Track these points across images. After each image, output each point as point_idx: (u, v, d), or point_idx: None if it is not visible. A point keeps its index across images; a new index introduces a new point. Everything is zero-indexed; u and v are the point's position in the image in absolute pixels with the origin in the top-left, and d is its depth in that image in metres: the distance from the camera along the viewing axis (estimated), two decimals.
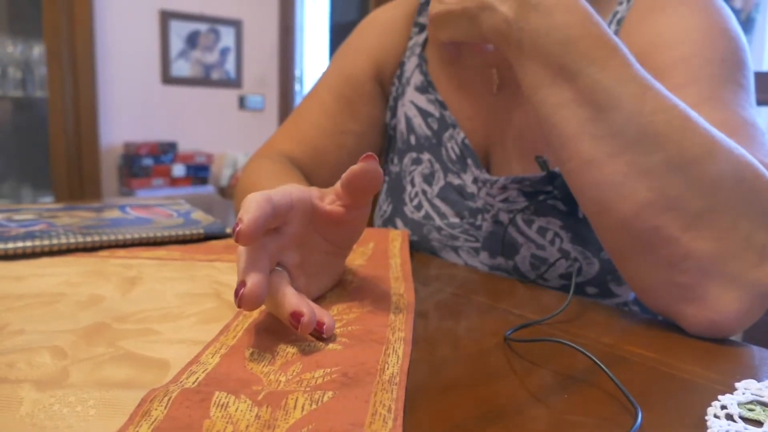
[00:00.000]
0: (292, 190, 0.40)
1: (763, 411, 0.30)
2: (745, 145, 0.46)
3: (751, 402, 0.31)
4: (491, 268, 0.65)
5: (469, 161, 0.67)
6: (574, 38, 0.45)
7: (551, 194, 0.60)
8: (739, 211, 0.41)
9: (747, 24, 2.35)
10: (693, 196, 0.41)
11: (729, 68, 0.53)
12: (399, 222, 0.72)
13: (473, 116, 0.69)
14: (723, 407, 0.30)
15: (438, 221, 0.69)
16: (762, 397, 0.31)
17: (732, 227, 0.41)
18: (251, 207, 0.35)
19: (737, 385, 0.33)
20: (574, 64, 0.45)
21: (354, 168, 0.40)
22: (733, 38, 0.54)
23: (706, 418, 0.29)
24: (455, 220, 0.68)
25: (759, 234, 0.41)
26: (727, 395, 0.31)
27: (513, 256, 0.63)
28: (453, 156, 0.69)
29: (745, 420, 0.29)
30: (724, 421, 0.29)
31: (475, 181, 0.66)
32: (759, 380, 0.33)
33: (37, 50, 2.65)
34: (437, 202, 0.69)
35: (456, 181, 0.68)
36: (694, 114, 0.43)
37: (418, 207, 0.71)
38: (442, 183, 0.69)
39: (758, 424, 0.29)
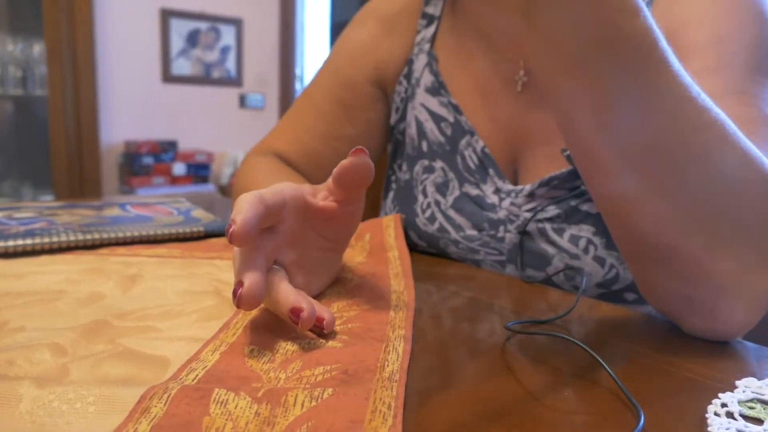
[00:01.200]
0: (285, 188, 0.40)
1: (764, 409, 0.30)
2: (762, 146, 0.43)
3: (751, 400, 0.31)
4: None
5: (491, 171, 0.62)
6: (606, 38, 0.34)
7: (579, 191, 0.56)
8: (765, 234, 0.39)
9: None
10: (721, 220, 0.38)
11: (760, 56, 0.50)
12: (413, 235, 0.68)
13: (493, 120, 0.63)
14: (723, 405, 0.30)
15: (454, 234, 0.64)
16: (762, 395, 0.31)
17: (754, 247, 0.39)
18: (243, 207, 0.35)
19: (738, 383, 0.33)
20: (596, 65, 0.35)
21: (344, 162, 0.39)
22: (766, 21, 0.51)
23: (707, 415, 0.29)
24: (473, 232, 0.63)
25: None
26: (728, 393, 0.31)
27: (544, 267, 0.59)
28: (471, 165, 0.64)
29: (746, 418, 0.29)
30: (724, 419, 0.29)
31: (497, 191, 0.62)
32: (759, 378, 0.33)
33: (38, 49, 2.65)
34: (451, 213, 0.65)
35: (474, 192, 0.64)
36: (733, 131, 0.38)
37: (432, 219, 0.66)
38: (457, 193, 0.65)
39: (759, 422, 0.29)
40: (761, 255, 0.39)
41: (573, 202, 0.57)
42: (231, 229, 0.34)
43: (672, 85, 0.36)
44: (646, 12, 0.34)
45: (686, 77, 0.37)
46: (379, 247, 0.59)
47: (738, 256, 0.38)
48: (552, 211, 0.58)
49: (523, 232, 0.60)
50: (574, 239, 0.58)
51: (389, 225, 0.64)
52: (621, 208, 0.40)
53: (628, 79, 0.35)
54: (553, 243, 0.59)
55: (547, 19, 0.34)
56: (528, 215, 0.60)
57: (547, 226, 0.59)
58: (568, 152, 0.55)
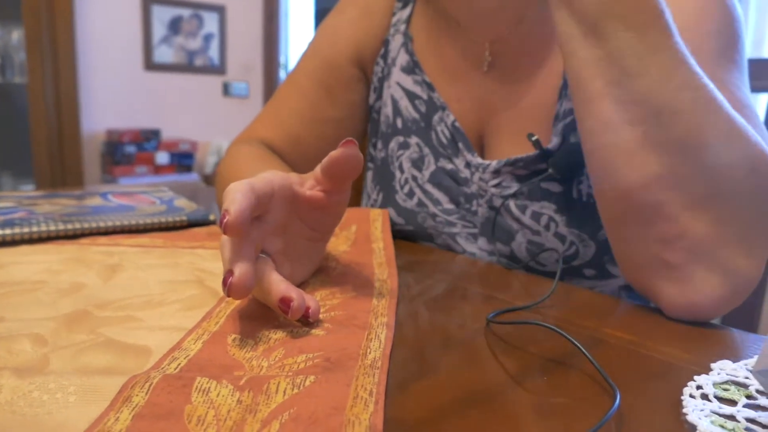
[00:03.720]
0: (273, 177, 0.40)
1: (738, 390, 0.31)
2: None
3: (726, 382, 0.32)
4: (489, 254, 0.64)
5: (461, 145, 0.65)
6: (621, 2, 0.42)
7: (545, 173, 0.59)
8: (744, 201, 0.41)
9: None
10: (702, 178, 0.41)
11: (724, 42, 0.52)
12: (392, 212, 0.70)
13: (463, 97, 0.66)
14: (699, 387, 0.31)
15: (432, 208, 0.67)
16: (737, 377, 0.32)
17: (732, 216, 0.41)
18: (236, 197, 0.35)
19: (713, 366, 0.33)
20: (609, 25, 0.43)
21: (334, 154, 0.40)
22: (729, 9, 0.53)
23: (682, 398, 0.30)
24: (450, 206, 0.66)
25: (756, 228, 0.41)
26: (703, 376, 0.32)
27: (509, 242, 0.62)
28: (443, 140, 0.67)
29: (720, 399, 0.30)
30: (699, 401, 0.29)
31: (468, 165, 0.65)
32: (734, 361, 0.34)
33: (16, 35, 2.60)
34: (429, 188, 0.67)
35: (448, 166, 0.66)
36: (720, 97, 0.42)
37: (410, 194, 0.69)
38: (432, 168, 0.68)
39: (733, 403, 0.29)
40: (739, 227, 0.41)
41: (536, 180, 0.60)
42: (225, 220, 0.34)
43: (672, 46, 0.42)
44: None
45: (683, 45, 0.43)
46: (364, 238, 0.59)
47: (715, 223, 0.41)
48: (516, 188, 0.62)
49: (492, 207, 0.63)
50: (536, 216, 0.60)
51: (377, 218, 0.64)
52: (612, 162, 0.44)
53: (637, 37, 0.42)
54: (516, 219, 0.61)
55: None
56: (494, 191, 0.63)
57: (511, 203, 0.62)
58: (535, 137, 0.57)
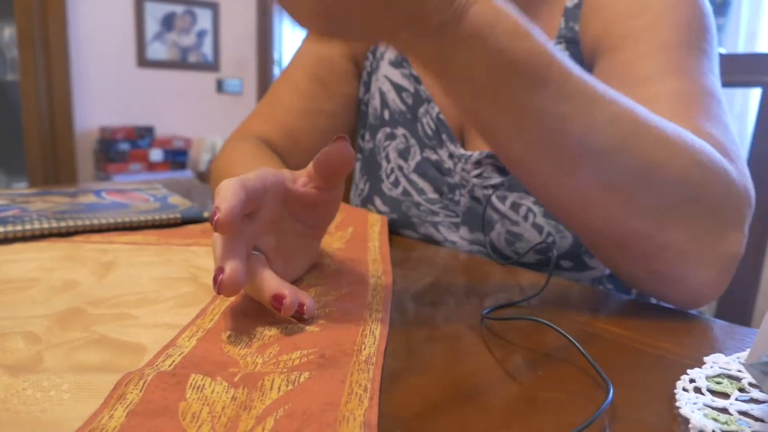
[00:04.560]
0: (266, 173, 0.40)
1: (730, 383, 0.31)
2: (699, 115, 0.48)
3: (718, 375, 0.32)
4: (471, 243, 0.65)
5: (444, 136, 0.67)
6: (510, 64, 0.36)
7: None
8: (703, 196, 0.42)
9: (722, 7, 2.38)
10: (660, 198, 0.40)
11: (693, 34, 0.53)
12: (378, 200, 0.72)
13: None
14: (692, 381, 0.31)
15: (416, 197, 0.69)
16: (729, 370, 0.32)
17: (699, 212, 0.42)
18: (227, 195, 0.35)
19: (705, 359, 0.34)
20: (510, 90, 0.37)
21: (326, 150, 0.40)
22: (698, 4, 0.55)
23: (675, 391, 0.30)
24: (434, 196, 0.68)
25: (724, 211, 0.43)
26: (696, 369, 0.32)
27: (488, 232, 0.64)
28: (429, 131, 0.69)
29: (713, 392, 0.30)
30: (692, 394, 0.29)
31: (451, 156, 0.67)
32: (726, 354, 0.34)
33: (8, 32, 2.59)
34: (414, 177, 0.69)
35: (433, 157, 0.68)
36: (644, 115, 0.41)
37: (396, 183, 0.71)
38: (418, 158, 0.69)
39: (726, 396, 0.30)
40: (709, 218, 0.42)
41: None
42: (216, 217, 0.34)
43: (579, 88, 0.38)
44: (537, 31, 0.37)
45: (589, 79, 0.39)
46: (360, 238, 0.59)
47: (687, 225, 0.41)
48: (496, 178, 0.63)
49: (474, 197, 0.65)
50: (515, 206, 0.62)
51: (375, 223, 0.64)
52: (569, 210, 0.43)
53: (537, 93, 0.37)
54: (496, 209, 0.63)
55: (449, 63, 0.37)
56: (476, 181, 0.64)
57: (491, 193, 0.63)
58: None
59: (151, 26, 2.93)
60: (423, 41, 0.36)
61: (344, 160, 0.40)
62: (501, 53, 0.36)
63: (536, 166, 0.40)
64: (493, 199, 0.63)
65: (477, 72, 0.37)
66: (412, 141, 0.70)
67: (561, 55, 0.38)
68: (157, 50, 2.97)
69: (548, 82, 0.37)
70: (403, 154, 0.70)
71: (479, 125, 0.41)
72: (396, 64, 0.71)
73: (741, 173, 0.45)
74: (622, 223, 0.41)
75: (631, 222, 0.41)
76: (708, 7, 0.55)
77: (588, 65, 0.60)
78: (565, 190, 0.41)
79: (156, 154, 2.88)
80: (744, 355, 0.34)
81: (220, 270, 0.34)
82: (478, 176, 0.64)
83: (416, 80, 0.70)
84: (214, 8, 3.12)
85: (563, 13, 0.62)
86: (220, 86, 3.20)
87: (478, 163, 0.64)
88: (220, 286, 0.34)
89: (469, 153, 0.65)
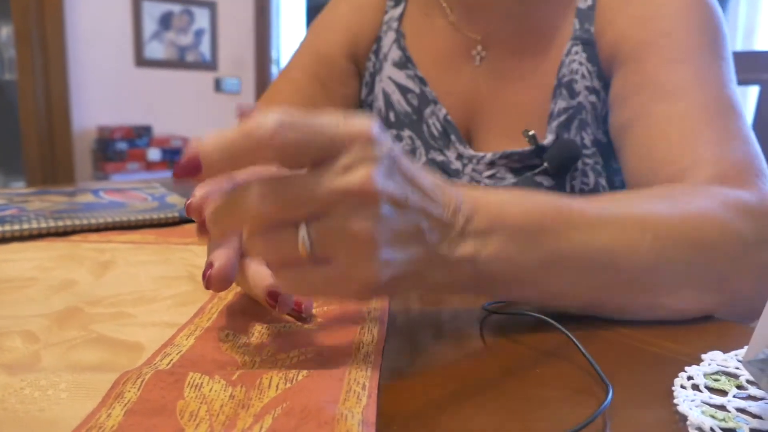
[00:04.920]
0: (258, 171, 0.39)
1: (728, 381, 0.31)
2: (723, 136, 0.49)
3: (716, 372, 0.32)
4: None
5: (453, 137, 0.66)
6: (536, 267, 0.36)
7: (541, 168, 0.60)
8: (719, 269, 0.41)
9: (720, 4, 2.38)
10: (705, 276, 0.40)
11: (710, 41, 0.54)
12: None
13: (454, 91, 0.68)
14: (690, 378, 0.31)
15: None
16: (727, 367, 0.32)
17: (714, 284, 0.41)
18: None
19: (703, 356, 0.34)
20: (556, 285, 0.38)
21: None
22: (709, 6, 0.55)
23: (673, 388, 0.30)
24: None
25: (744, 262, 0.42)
26: (694, 367, 0.32)
27: None
28: (435, 132, 0.68)
29: (711, 390, 0.30)
30: (690, 392, 0.29)
31: (460, 157, 0.66)
32: (724, 352, 0.34)
33: (6, 31, 2.58)
34: None
35: (439, 158, 0.67)
36: (656, 210, 0.41)
37: None
38: (424, 160, 0.69)
39: (723, 393, 0.30)
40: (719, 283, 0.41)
41: (530, 174, 0.60)
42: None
43: (603, 216, 0.38)
44: (537, 198, 0.37)
45: (597, 205, 0.39)
46: None
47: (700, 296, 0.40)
48: (510, 179, 0.62)
49: None
50: None
51: None
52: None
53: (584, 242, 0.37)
54: None
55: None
56: (488, 182, 0.64)
57: None
58: (531, 132, 0.57)
59: (149, 25, 2.93)
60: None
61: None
62: (528, 272, 0.36)
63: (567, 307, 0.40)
64: None
65: (515, 291, 0.37)
66: (418, 143, 0.69)
67: (565, 201, 0.38)
68: (154, 49, 2.96)
69: (563, 263, 0.37)
70: (409, 156, 0.70)
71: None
72: (400, 65, 0.71)
73: (762, 193, 0.45)
74: (649, 307, 0.40)
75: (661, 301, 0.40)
76: (720, 11, 0.56)
77: (605, 67, 0.60)
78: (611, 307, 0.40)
79: (154, 154, 2.87)
80: (742, 352, 0.34)
81: (209, 265, 0.34)
82: (490, 177, 0.63)
83: (422, 81, 0.69)
84: (212, 7, 3.12)
85: (576, 14, 0.62)
86: (218, 85, 3.19)
87: (491, 164, 0.63)
88: (208, 281, 0.33)
89: (481, 154, 0.64)
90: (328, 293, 0.32)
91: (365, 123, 0.28)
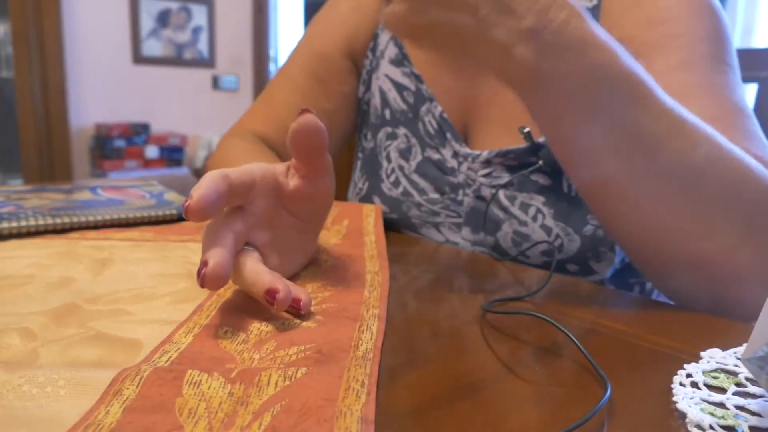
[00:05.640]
0: (255, 168, 0.39)
1: (727, 378, 0.31)
2: (738, 136, 0.48)
3: (715, 370, 0.32)
4: (473, 244, 0.65)
5: (449, 135, 0.66)
6: (609, 79, 0.39)
7: (536, 166, 0.60)
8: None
9: (720, 0, 2.38)
10: (735, 223, 0.42)
11: (716, 46, 0.54)
12: (376, 200, 0.71)
13: (451, 89, 0.67)
14: (688, 375, 0.31)
15: (417, 197, 0.68)
16: (726, 365, 0.32)
17: (766, 240, 0.42)
18: (203, 183, 0.35)
19: (702, 354, 0.34)
20: (611, 107, 0.40)
21: (292, 126, 0.39)
22: (716, 12, 0.55)
23: (672, 386, 0.30)
24: (435, 195, 0.67)
25: None
26: (693, 364, 0.32)
27: (494, 232, 0.63)
28: (431, 130, 0.67)
29: (710, 387, 0.30)
30: (689, 389, 0.29)
31: (455, 155, 0.66)
32: (723, 349, 0.34)
33: (3, 29, 2.58)
34: (415, 177, 0.68)
35: (435, 156, 0.67)
36: (723, 140, 0.43)
37: (396, 183, 0.70)
38: (419, 158, 0.68)
39: (722, 390, 0.30)
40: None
41: (526, 172, 0.60)
42: (186, 203, 0.34)
43: (668, 108, 0.41)
44: (624, 51, 0.40)
45: (673, 100, 0.42)
46: (356, 231, 0.59)
47: (755, 252, 0.42)
48: (506, 178, 0.62)
49: (480, 197, 0.63)
50: (524, 206, 0.61)
51: (369, 214, 0.64)
52: (652, 236, 0.43)
53: (634, 111, 0.40)
54: (504, 209, 0.62)
55: (548, 82, 0.39)
56: (484, 180, 0.63)
57: (501, 193, 0.62)
58: (527, 129, 0.57)
59: (146, 23, 2.92)
60: (524, 61, 0.39)
61: (313, 132, 0.38)
62: (599, 68, 0.38)
63: (625, 185, 0.42)
64: (502, 198, 0.62)
65: (576, 88, 0.39)
66: (413, 140, 0.69)
67: (647, 74, 0.40)
68: (152, 47, 2.96)
69: (644, 100, 0.40)
70: (405, 154, 0.69)
71: (570, 151, 0.43)
72: (396, 62, 0.71)
73: None
74: (698, 247, 0.42)
75: (704, 245, 0.42)
76: (725, 17, 0.56)
77: None
78: (653, 211, 0.42)
79: (152, 151, 2.87)
80: (741, 350, 0.34)
81: (204, 263, 0.34)
82: (486, 176, 0.63)
83: (417, 79, 0.69)
84: (210, 5, 3.11)
85: None
86: (215, 83, 3.19)
87: (487, 163, 0.63)
88: (203, 279, 0.33)
89: (477, 152, 0.64)
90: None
91: None
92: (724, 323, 0.40)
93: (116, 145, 2.75)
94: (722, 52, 0.54)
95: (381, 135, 0.72)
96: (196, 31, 3.10)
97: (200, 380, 0.27)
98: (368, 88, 0.75)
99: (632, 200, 0.42)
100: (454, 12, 0.38)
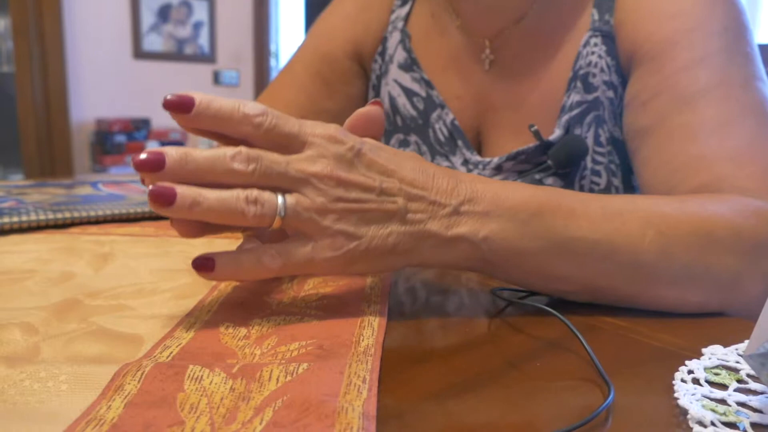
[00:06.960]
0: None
1: (729, 375, 0.31)
2: (743, 149, 0.47)
3: (717, 366, 0.32)
4: None
5: (459, 143, 0.65)
6: (534, 217, 0.37)
7: (543, 165, 0.58)
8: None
9: None
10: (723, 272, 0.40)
11: (733, 37, 0.52)
12: None
13: (462, 95, 0.66)
14: (690, 372, 0.31)
15: None
16: (727, 361, 0.32)
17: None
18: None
19: (704, 350, 0.34)
20: (547, 236, 0.38)
21: (361, 109, 0.39)
22: (731, 1, 0.54)
23: (674, 382, 0.30)
24: None
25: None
26: (694, 361, 0.32)
27: None
28: (441, 138, 0.66)
29: (711, 384, 0.30)
30: (690, 385, 0.29)
31: (465, 162, 0.64)
32: (725, 346, 0.34)
33: (3, 23, 2.57)
34: None
35: (444, 164, 0.66)
36: (668, 207, 0.41)
37: None
38: None
39: (724, 387, 0.30)
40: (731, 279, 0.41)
41: (538, 176, 0.59)
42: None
43: (600, 213, 0.39)
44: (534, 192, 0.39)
45: (601, 198, 0.40)
46: None
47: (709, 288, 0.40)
48: None
49: None
50: None
51: None
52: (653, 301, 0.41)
53: (581, 230, 0.38)
54: None
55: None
56: None
57: None
58: (535, 127, 0.56)
59: (147, 18, 2.92)
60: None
61: (376, 121, 0.40)
62: (527, 256, 0.37)
63: (612, 294, 0.40)
64: None
65: (514, 273, 0.39)
66: (424, 148, 0.68)
67: (567, 192, 0.39)
68: (153, 42, 2.95)
69: (573, 216, 0.38)
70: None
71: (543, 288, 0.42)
72: (406, 67, 0.69)
73: None
74: (654, 296, 0.40)
75: (700, 297, 0.40)
76: (742, 5, 0.54)
77: (624, 62, 0.58)
78: (650, 301, 0.41)
79: (152, 147, 2.86)
80: (742, 346, 0.34)
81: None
82: None
83: (428, 85, 0.67)
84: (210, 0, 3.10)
85: (594, 3, 0.59)
86: (216, 78, 3.18)
87: (497, 169, 0.62)
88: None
89: (487, 159, 0.62)
90: (305, 267, 0.35)
91: (332, 126, 0.36)
92: (726, 320, 0.40)
93: (117, 141, 2.75)
94: (738, 43, 0.52)
95: (393, 141, 0.71)
96: (197, 26, 3.09)
97: (202, 375, 0.27)
98: (378, 93, 0.73)
99: (624, 297, 0.41)
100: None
